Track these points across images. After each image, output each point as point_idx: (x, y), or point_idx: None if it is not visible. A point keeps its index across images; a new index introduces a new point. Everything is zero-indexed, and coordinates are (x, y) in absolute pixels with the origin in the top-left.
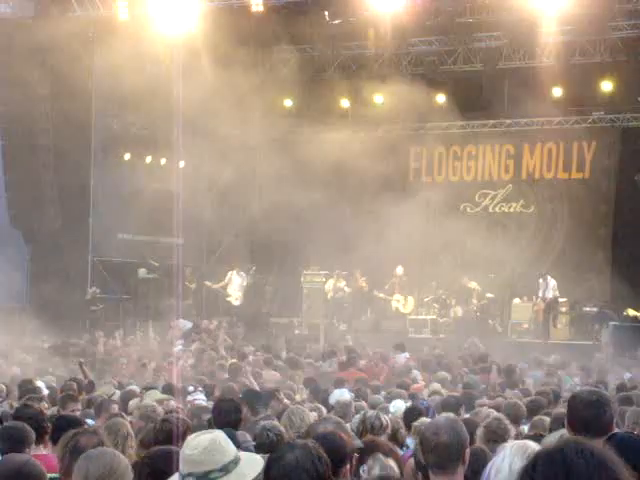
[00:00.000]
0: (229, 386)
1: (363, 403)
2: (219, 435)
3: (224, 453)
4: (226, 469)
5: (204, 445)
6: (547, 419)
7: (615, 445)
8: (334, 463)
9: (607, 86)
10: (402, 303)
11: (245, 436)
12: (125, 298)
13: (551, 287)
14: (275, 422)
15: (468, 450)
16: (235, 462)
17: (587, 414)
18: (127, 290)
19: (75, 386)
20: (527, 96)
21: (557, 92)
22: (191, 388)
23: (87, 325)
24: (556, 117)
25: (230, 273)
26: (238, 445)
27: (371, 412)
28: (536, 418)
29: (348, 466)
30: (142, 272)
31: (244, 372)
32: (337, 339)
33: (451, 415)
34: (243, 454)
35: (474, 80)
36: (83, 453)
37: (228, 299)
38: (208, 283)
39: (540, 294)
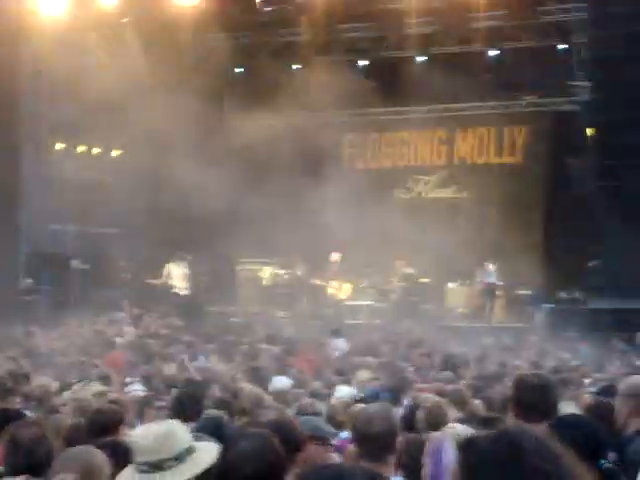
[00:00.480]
0: (171, 376)
1: (302, 390)
2: (173, 424)
3: (178, 442)
4: (180, 458)
5: (157, 433)
6: (478, 402)
7: (563, 428)
8: (290, 450)
9: (538, 71)
10: (338, 289)
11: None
12: (59, 289)
13: (491, 273)
14: (217, 411)
15: (399, 439)
16: (190, 451)
17: (532, 397)
18: (60, 281)
19: (11, 379)
20: (459, 81)
21: (488, 77)
22: (128, 379)
23: (21, 317)
24: (488, 102)
25: (167, 265)
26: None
27: (307, 400)
28: (472, 402)
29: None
30: (75, 263)
31: (180, 361)
32: (275, 327)
33: (383, 404)
34: (199, 444)
35: (406, 66)
36: (23, 445)
37: (174, 291)
38: (150, 280)
39: (479, 279)
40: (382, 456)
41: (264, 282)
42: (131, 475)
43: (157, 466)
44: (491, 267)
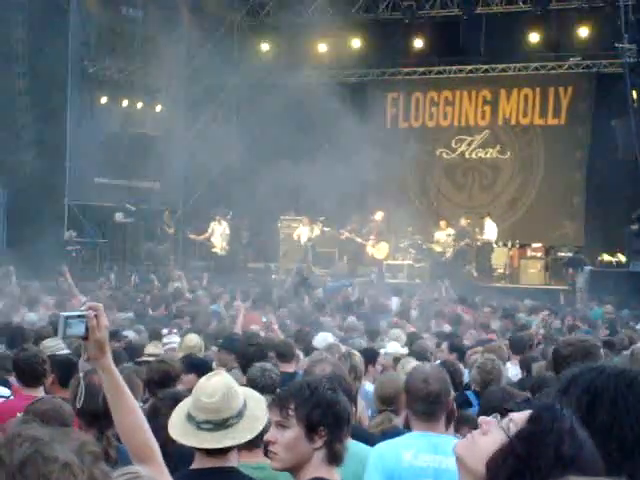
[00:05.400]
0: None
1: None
2: (230, 379)
3: (238, 398)
4: (240, 414)
5: (222, 392)
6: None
7: None
8: None
9: (584, 32)
10: (375, 248)
11: None
12: (101, 242)
13: (488, 229)
14: (270, 364)
15: (452, 397)
16: (245, 405)
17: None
18: (103, 234)
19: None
20: (504, 41)
21: (534, 37)
22: (165, 331)
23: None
24: (533, 63)
25: (212, 224)
26: None
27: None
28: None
29: (354, 409)
30: (118, 216)
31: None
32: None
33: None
34: (243, 391)
35: (451, 25)
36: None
37: (213, 250)
38: (192, 236)
39: (479, 236)
40: (437, 415)
41: (303, 239)
42: (192, 431)
43: (221, 425)
44: (490, 223)
